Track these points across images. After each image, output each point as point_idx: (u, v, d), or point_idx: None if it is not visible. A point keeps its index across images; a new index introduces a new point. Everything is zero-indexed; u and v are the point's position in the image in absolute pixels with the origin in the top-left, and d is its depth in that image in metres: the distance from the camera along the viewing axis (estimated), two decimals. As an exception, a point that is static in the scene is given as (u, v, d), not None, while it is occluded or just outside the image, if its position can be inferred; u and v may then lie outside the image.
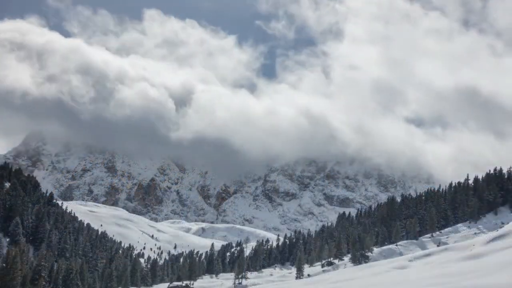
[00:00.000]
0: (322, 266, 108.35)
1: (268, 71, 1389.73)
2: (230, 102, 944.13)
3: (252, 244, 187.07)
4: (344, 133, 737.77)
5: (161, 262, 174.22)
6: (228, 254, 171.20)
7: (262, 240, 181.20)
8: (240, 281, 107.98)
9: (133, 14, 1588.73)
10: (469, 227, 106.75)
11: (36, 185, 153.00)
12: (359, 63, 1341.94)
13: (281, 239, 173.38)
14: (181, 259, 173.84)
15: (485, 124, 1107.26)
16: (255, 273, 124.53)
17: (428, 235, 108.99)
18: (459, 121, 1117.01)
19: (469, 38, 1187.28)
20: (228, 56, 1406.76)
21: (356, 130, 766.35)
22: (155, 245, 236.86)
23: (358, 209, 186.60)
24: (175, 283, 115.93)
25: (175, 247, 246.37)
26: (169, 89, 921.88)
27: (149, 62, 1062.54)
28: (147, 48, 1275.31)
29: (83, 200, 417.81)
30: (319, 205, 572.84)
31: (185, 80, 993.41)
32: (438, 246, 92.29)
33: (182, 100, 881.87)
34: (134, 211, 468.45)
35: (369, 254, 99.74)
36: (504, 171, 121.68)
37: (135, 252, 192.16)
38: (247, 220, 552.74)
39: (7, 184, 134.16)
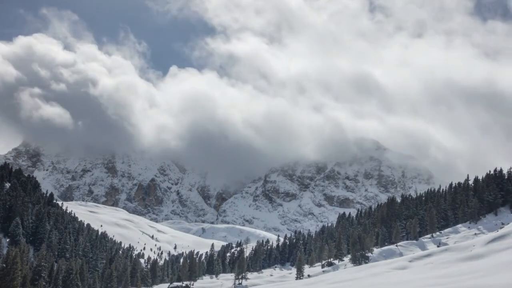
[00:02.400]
0: (322, 266, 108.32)
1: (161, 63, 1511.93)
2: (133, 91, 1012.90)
3: (252, 244, 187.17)
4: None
5: (161, 262, 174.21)
6: (228, 254, 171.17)
7: (262, 241, 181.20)
8: (240, 282, 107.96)
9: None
10: (469, 227, 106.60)
11: (36, 186, 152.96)
12: (242, 53, 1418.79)
13: (281, 239, 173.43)
14: (181, 260, 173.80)
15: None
16: (255, 274, 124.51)
17: (428, 236, 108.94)
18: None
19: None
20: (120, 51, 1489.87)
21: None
22: (155, 245, 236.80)
23: (358, 210, 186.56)
24: (175, 284, 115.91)
25: (175, 248, 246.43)
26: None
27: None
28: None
29: (83, 201, 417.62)
30: (319, 205, 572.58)
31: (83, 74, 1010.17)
32: (438, 246, 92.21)
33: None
34: (134, 211, 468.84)
35: (369, 254, 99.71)
36: (504, 171, 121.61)
37: (135, 252, 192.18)
38: (247, 221, 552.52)
39: (7, 185, 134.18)
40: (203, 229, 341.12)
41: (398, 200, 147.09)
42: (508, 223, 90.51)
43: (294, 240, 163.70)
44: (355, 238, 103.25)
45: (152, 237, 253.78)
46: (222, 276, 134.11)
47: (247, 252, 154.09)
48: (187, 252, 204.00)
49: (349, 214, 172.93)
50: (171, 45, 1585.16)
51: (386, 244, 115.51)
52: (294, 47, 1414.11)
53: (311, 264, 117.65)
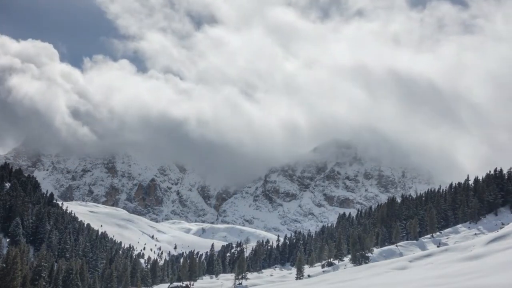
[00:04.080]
0: (322, 266, 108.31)
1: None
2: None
3: (252, 244, 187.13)
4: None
5: (161, 262, 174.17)
6: (228, 254, 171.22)
7: (262, 241, 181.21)
8: (240, 282, 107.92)
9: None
10: (469, 227, 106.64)
11: (36, 186, 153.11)
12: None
13: (281, 239, 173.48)
14: (181, 260, 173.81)
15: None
16: (255, 274, 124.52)
17: (428, 236, 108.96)
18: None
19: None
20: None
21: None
22: (155, 245, 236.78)
23: (358, 210, 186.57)
24: (175, 284, 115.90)
25: (175, 248, 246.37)
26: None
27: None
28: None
29: (83, 201, 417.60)
30: (319, 205, 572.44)
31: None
32: (438, 246, 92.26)
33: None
34: (134, 211, 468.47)
35: (369, 254, 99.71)
36: (504, 171, 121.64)
37: (135, 252, 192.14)
38: (247, 221, 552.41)
39: (8, 185, 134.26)
40: (203, 229, 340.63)
41: (398, 200, 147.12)
42: (508, 223, 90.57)
43: (294, 240, 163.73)
44: (355, 238, 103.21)
45: (152, 237, 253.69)
46: (222, 276, 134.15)
47: (247, 252, 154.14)
48: (187, 252, 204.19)
49: (349, 214, 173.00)
50: (88, 40, 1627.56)
51: (386, 244, 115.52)
52: (207, 42, 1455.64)
53: (311, 264, 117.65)
